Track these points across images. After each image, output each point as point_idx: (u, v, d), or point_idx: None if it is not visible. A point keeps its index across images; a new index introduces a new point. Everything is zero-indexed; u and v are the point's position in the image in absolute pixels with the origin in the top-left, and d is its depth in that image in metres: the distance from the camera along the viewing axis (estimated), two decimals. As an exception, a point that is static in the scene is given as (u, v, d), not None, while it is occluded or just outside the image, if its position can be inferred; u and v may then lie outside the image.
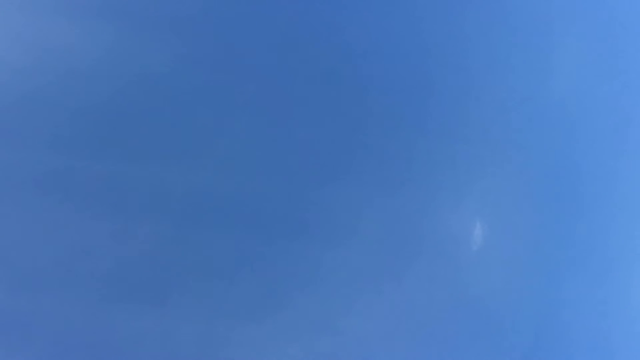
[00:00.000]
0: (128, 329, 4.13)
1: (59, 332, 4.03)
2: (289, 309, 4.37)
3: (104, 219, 4.22)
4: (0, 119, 4.22)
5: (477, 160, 5.26)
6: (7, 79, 4.20)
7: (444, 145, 5.17)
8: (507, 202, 5.34)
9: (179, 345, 4.14)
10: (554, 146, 5.46)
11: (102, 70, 4.44)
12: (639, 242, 5.49)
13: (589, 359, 5.29)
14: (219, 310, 4.32)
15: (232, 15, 4.75)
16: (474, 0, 5.32)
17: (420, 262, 4.98)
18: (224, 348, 4.27)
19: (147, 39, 4.56)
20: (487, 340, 5.09)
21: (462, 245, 5.12)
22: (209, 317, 4.27)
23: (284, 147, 4.71)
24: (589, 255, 5.44)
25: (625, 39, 5.59)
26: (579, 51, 5.55)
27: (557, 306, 5.31)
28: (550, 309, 5.31)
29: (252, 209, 4.51)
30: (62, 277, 4.10)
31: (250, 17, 4.77)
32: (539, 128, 5.44)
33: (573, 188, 5.48)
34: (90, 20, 4.48)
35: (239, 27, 4.73)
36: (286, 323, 4.37)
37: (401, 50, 5.16)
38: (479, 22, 5.35)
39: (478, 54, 5.35)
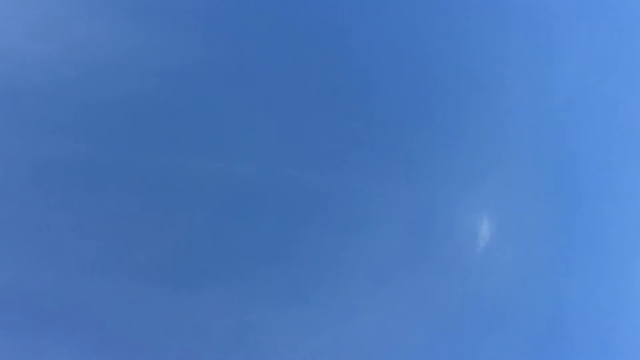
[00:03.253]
0: (165, 314, 4.33)
1: (102, 316, 4.26)
2: (312, 301, 4.51)
3: (142, 211, 4.42)
4: (37, 111, 4.42)
5: (486, 157, 5.33)
6: (36, 72, 4.37)
7: (456, 142, 5.26)
8: (516, 199, 5.40)
9: (210, 329, 4.31)
10: (562, 143, 5.50)
11: (125, 65, 4.60)
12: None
13: (598, 356, 5.27)
14: (248, 298, 4.49)
15: (256, 16, 4.91)
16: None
17: (429, 257, 5.04)
18: (254, 333, 4.43)
19: (172, 36, 4.72)
20: (495, 336, 5.13)
21: (471, 241, 5.18)
22: (239, 304, 4.44)
23: (310, 143, 4.87)
24: (599, 252, 5.44)
25: (630, 35, 5.62)
26: (586, 48, 5.61)
27: (565, 302, 5.33)
28: (558, 304, 5.33)
29: (280, 201, 4.68)
30: (106, 264, 4.33)
31: (272, 18, 4.94)
32: (548, 125, 5.50)
33: (581, 185, 5.50)
34: (114, 17, 4.65)
35: (263, 27, 4.89)
36: (308, 315, 4.51)
37: (416, 52, 5.28)
38: (490, 21, 5.45)
39: (487, 53, 5.44)
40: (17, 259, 4.22)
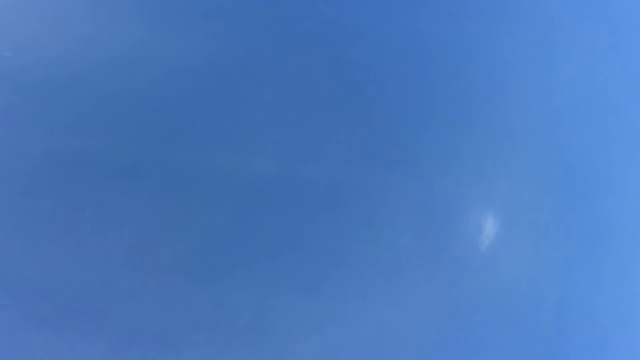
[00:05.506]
0: (186, 306, 4.42)
1: (128, 309, 4.33)
2: (326, 294, 4.55)
3: (164, 206, 4.49)
4: (61, 106, 4.46)
5: (494, 154, 5.38)
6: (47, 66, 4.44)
7: (464, 139, 5.29)
8: (523, 197, 5.45)
9: (229, 321, 4.38)
10: (569, 140, 5.51)
11: (143, 60, 4.64)
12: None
13: (606, 354, 5.27)
14: (265, 291, 4.55)
15: (271, 13, 4.98)
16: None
17: (438, 253, 5.08)
18: (270, 325, 4.49)
19: (188, 32, 4.78)
20: (501, 332, 5.16)
21: (478, 238, 5.23)
22: (257, 297, 4.52)
23: (324, 139, 4.91)
24: (607, 250, 5.41)
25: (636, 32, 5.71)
26: (588, 45, 5.68)
27: (572, 299, 5.32)
28: (565, 301, 5.33)
29: (296, 195, 4.73)
30: (131, 258, 4.39)
31: (288, 16, 5.02)
32: (555, 122, 5.53)
33: (589, 182, 5.54)
34: (130, 11, 4.72)
35: (279, 23, 4.94)
36: (323, 307, 4.56)
37: (424, 51, 5.35)
38: (495, 20, 5.55)
39: (494, 51, 5.49)
40: (46, 254, 4.32)
